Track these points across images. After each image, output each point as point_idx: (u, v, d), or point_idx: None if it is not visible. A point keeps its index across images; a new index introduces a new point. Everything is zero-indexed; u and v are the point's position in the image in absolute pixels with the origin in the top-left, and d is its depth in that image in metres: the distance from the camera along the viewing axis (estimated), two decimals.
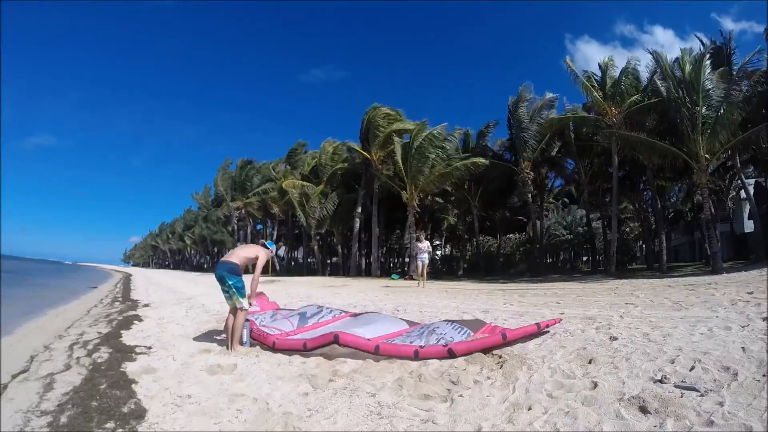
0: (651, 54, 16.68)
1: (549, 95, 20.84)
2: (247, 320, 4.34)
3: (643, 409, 2.11)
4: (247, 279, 4.39)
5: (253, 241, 41.77)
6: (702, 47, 16.03)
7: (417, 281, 13.04)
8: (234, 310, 4.25)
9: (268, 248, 4.63)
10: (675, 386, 2.37)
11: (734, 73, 15.36)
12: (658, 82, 16.38)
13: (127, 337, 4.95)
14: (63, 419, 2.47)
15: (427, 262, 12.36)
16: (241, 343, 4.22)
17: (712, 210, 17.99)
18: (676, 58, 16.08)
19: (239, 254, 4.48)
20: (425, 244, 12.27)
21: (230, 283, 4.22)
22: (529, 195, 21.76)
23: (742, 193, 21.73)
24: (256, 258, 4.47)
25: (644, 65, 18.17)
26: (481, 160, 21.03)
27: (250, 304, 4.39)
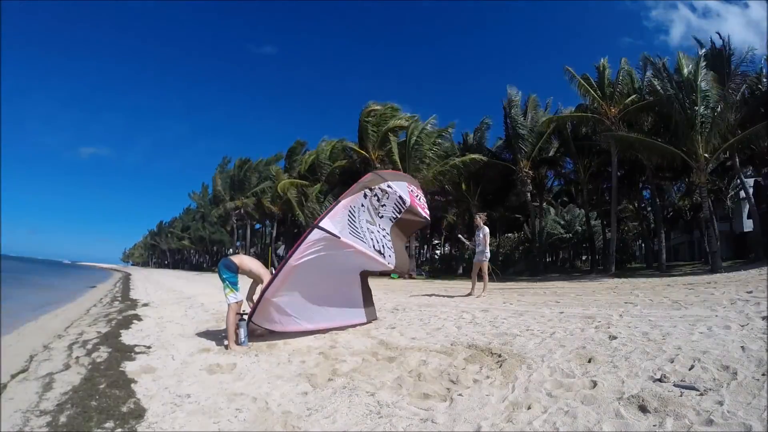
0: (646, 60, 16.84)
1: (533, 95, 21.78)
2: (242, 319, 4.37)
3: (643, 408, 2.11)
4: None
5: (252, 240, 41.89)
6: (700, 49, 16.08)
7: (470, 288, 8.35)
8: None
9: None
10: (674, 385, 2.37)
11: (733, 73, 15.38)
12: (656, 82, 16.42)
13: (127, 337, 4.94)
14: (62, 419, 2.46)
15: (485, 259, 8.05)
16: (239, 343, 4.22)
17: (711, 209, 18.01)
18: (667, 63, 16.19)
19: (243, 259, 4.62)
20: (484, 233, 8.05)
21: (224, 276, 4.36)
22: (528, 194, 21.78)
23: (742, 193, 21.76)
24: (259, 276, 4.61)
25: (640, 67, 18.30)
26: (479, 156, 21.08)
27: (243, 314, 4.46)
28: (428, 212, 5.37)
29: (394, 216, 5.00)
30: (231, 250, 46.66)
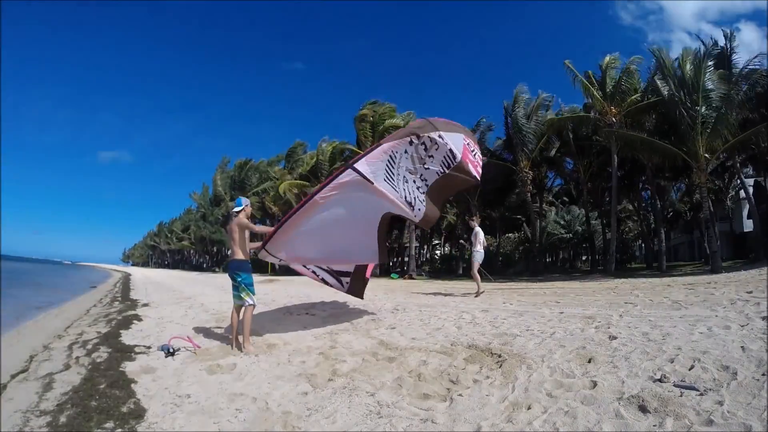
0: (653, 53, 16.67)
1: (544, 94, 21.12)
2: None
3: (643, 409, 2.11)
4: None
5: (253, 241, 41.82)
6: (703, 47, 15.99)
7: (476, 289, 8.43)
8: (239, 308, 4.27)
9: (238, 210, 4.37)
10: (674, 385, 2.37)
11: (734, 73, 15.32)
12: (658, 82, 16.37)
13: (127, 337, 4.95)
14: (62, 419, 2.46)
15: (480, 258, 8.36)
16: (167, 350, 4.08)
17: (711, 209, 18.00)
18: (677, 58, 16.08)
19: (234, 244, 4.34)
20: (474, 232, 8.41)
21: (239, 279, 4.23)
22: (528, 194, 21.76)
23: (742, 193, 21.75)
24: (243, 229, 4.33)
25: (643, 66, 18.21)
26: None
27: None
28: (480, 171, 4.88)
29: (441, 170, 4.52)
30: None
